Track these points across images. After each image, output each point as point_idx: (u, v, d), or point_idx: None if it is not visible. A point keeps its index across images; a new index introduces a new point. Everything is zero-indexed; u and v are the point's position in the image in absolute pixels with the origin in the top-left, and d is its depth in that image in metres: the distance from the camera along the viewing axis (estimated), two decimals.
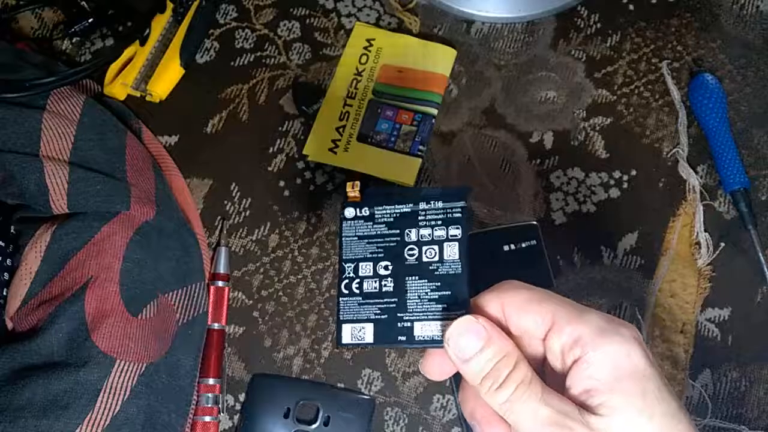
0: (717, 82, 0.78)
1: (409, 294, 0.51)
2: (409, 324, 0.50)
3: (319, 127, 0.81)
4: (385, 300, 0.51)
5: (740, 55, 0.81)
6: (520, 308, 0.46)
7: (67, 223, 0.68)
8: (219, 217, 0.79)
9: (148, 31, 0.83)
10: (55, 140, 0.71)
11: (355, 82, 0.83)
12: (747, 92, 0.80)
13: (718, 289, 0.74)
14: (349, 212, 0.54)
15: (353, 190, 0.55)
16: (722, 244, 0.75)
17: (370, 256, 0.53)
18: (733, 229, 0.76)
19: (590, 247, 0.76)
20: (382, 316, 0.51)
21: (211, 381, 0.73)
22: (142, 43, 0.83)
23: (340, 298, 0.52)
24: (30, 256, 0.67)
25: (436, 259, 0.51)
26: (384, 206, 0.54)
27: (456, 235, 0.51)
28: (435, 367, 0.49)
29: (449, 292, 0.50)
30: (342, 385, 0.74)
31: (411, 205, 0.53)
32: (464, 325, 0.45)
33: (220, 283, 0.77)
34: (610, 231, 0.77)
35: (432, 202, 0.53)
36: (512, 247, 0.75)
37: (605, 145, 0.79)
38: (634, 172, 0.78)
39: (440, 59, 0.83)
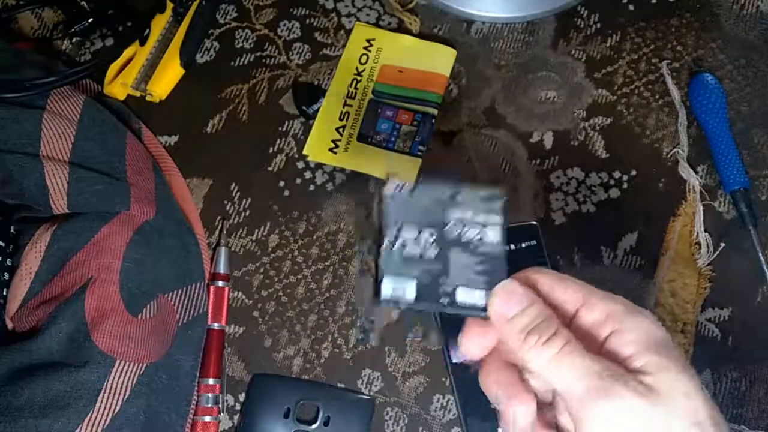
0: (717, 82, 0.78)
1: (452, 263, 0.50)
2: (451, 289, 0.49)
3: (319, 127, 0.81)
4: (428, 264, 0.50)
5: (740, 55, 0.82)
6: (554, 285, 0.47)
7: (67, 223, 0.68)
8: (219, 217, 0.79)
9: (147, 31, 0.84)
10: (55, 140, 0.71)
11: (355, 82, 0.83)
12: (747, 92, 0.80)
13: (719, 289, 0.74)
14: (390, 186, 0.53)
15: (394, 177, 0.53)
16: (722, 244, 0.75)
17: (414, 221, 0.51)
18: (733, 230, 0.76)
19: (590, 247, 0.76)
20: (425, 277, 0.50)
21: (211, 381, 0.73)
22: (142, 43, 0.83)
23: (383, 251, 0.51)
24: (30, 256, 0.67)
25: (479, 238, 0.51)
26: (425, 185, 0.52)
27: (497, 222, 0.51)
28: (474, 341, 0.50)
29: (491, 269, 0.50)
30: (342, 385, 0.74)
31: (450, 192, 0.52)
32: (510, 286, 0.47)
33: (220, 283, 0.77)
34: (610, 231, 0.77)
35: (471, 193, 0.52)
36: (512, 247, 0.75)
37: (605, 145, 0.79)
38: (634, 173, 0.78)
39: (440, 59, 0.83)
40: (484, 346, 0.49)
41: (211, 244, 0.79)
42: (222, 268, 0.77)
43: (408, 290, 0.50)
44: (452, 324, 0.68)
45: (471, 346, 0.50)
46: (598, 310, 0.46)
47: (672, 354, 0.43)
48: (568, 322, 0.47)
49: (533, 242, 0.75)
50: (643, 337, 0.44)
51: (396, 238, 0.51)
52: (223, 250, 0.78)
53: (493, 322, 0.47)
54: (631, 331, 0.44)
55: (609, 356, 0.44)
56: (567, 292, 0.47)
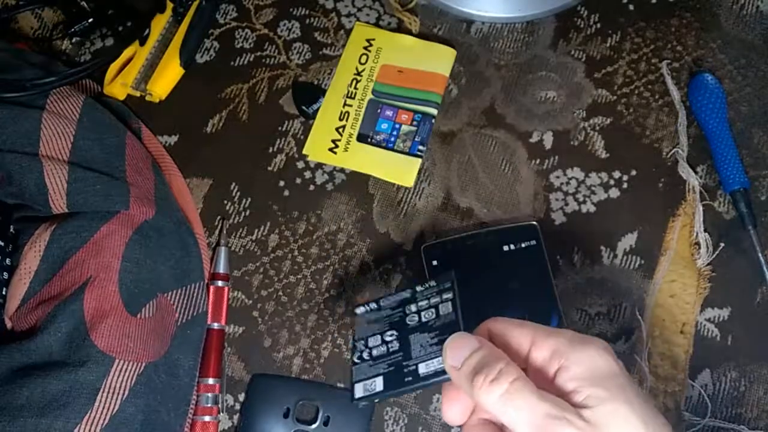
0: (717, 82, 0.78)
1: (412, 346, 0.57)
2: (413, 367, 0.55)
3: (319, 126, 0.81)
4: (392, 356, 0.58)
5: (740, 55, 0.81)
6: (504, 331, 0.50)
7: (67, 222, 0.68)
8: (219, 217, 0.80)
9: (147, 31, 0.84)
10: (55, 140, 0.71)
11: (354, 81, 0.83)
12: (747, 92, 0.80)
13: (718, 289, 0.74)
14: (360, 310, 0.64)
15: (362, 300, 0.69)
16: (722, 245, 0.75)
17: (378, 331, 0.60)
18: (733, 230, 0.76)
19: (590, 247, 0.76)
20: (390, 369, 0.57)
21: (210, 381, 0.73)
22: (142, 43, 0.83)
23: (353, 367, 0.59)
24: (29, 256, 0.67)
25: (434, 317, 0.59)
26: (388, 297, 0.63)
27: (449, 298, 0.59)
28: (453, 407, 0.51)
29: (447, 335, 0.53)
30: (342, 385, 0.74)
31: (409, 290, 0.62)
32: (457, 337, 0.50)
33: (220, 283, 0.77)
34: (610, 231, 0.77)
35: (426, 284, 0.61)
36: (512, 247, 0.75)
37: (605, 145, 0.79)
38: (633, 172, 0.78)
39: (440, 59, 0.83)
40: (463, 411, 0.51)
41: (211, 244, 0.79)
42: (222, 268, 0.77)
43: (377, 385, 0.57)
44: None
45: (451, 413, 0.52)
46: (545, 348, 0.47)
47: (615, 383, 0.44)
48: (523, 363, 0.48)
49: (533, 242, 0.75)
50: (585, 371, 0.45)
51: (362, 351, 0.60)
52: (222, 249, 0.78)
53: (450, 376, 0.49)
54: (575, 364, 0.46)
55: (558, 392, 0.45)
56: (518, 334, 0.49)
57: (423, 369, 0.55)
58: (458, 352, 0.48)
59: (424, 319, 0.59)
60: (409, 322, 0.59)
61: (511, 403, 0.44)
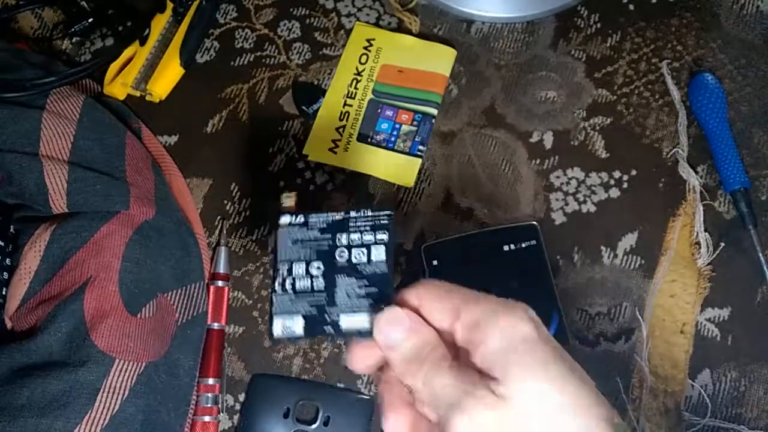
0: (717, 82, 0.78)
1: (338, 291, 0.54)
2: (336, 317, 0.53)
3: (319, 126, 0.81)
4: (316, 296, 0.54)
5: (740, 55, 0.82)
6: (432, 300, 0.49)
7: (67, 222, 0.68)
8: (219, 217, 0.79)
9: (147, 30, 0.84)
10: (55, 140, 0.71)
11: (355, 81, 0.83)
12: (747, 92, 0.80)
13: (718, 289, 0.74)
14: (285, 219, 0.57)
15: (290, 199, 0.59)
16: (722, 244, 0.75)
17: (303, 258, 0.56)
18: (733, 229, 0.76)
19: (590, 246, 0.76)
20: (312, 311, 0.53)
21: (210, 381, 0.73)
22: (142, 43, 0.83)
23: (273, 296, 0.55)
24: (29, 256, 0.67)
25: (365, 260, 0.55)
26: (318, 214, 0.57)
27: (383, 240, 0.56)
28: (360, 360, 0.52)
29: (376, 290, 0.53)
30: (342, 385, 0.74)
31: (342, 213, 0.56)
32: (391, 315, 0.49)
33: (220, 283, 0.77)
34: (610, 231, 0.77)
35: (362, 210, 0.56)
36: (512, 247, 0.75)
37: (605, 145, 0.79)
38: (634, 172, 0.78)
39: (440, 59, 0.83)
40: (370, 365, 0.52)
41: (211, 244, 0.79)
42: (222, 268, 0.77)
43: (296, 326, 0.53)
44: None
45: (358, 364, 0.52)
46: (465, 320, 0.47)
47: (529, 356, 0.44)
48: (449, 330, 0.48)
49: (533, 242, 0.75)
50: (498, 344, 0.44)
51: (285, 278, 0.55)
52: (223, 249, 0.78)
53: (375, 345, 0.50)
54: (491, 338, 0.45)
55: (475, 366, 0.45)
56: (441, 306, 0.49)
57: (345, 323, 0.53)
58: (391, 333, 0.49)
59: (354, 260, 0.55)
60: (338, 258, 0.55)
61: (430, 383, 0.45)
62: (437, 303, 0.49)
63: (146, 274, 0.70)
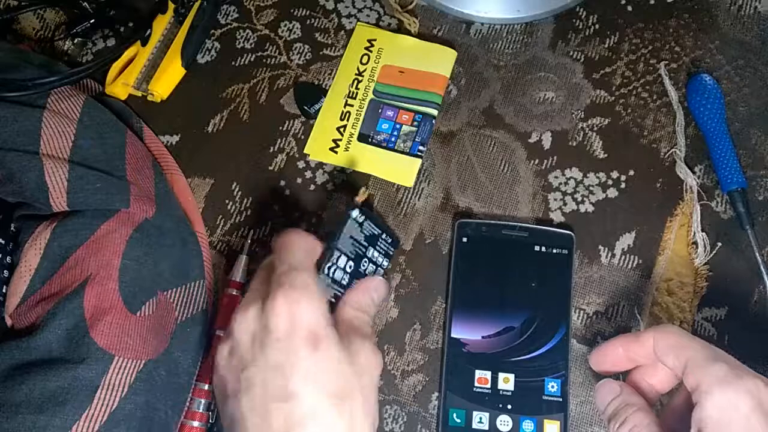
0: (715, 83, 0.79)
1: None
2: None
3: (320, 126, 0.82)
4: (339, 290, 0.67)
5: (738, 55, 0.82)
6: (665, 349, 0.57)
7: (67, 220, 0.68)
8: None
9: (149, 31, 0.84)
10: (55, 139, 0.71)
11: (356, 82, 0.83)
12: (745, 93, 0.80)
13: (715, 289, 0.74)
14: (355, 213, 0.69)
15: (362, 196, 0.73)
16: (719, 244, 0.75)
17: (348, 254, 0.69)
18: (730, 229, 0.76)
19: (588, 246, 0.76)
20: (331, 301, 0.64)
21: (206, 387, 0.72)
22: (144, 44, 0.84)
23: (319, 276, 0.64)
24: (30, 254, 0.68)
25: (372, 270, 0.72)
26: (371, 221, 0.70)
27: (385, 265, 0.74)
28: (607, 363, 0.64)
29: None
30: None
31: (378, 230, 0.72)
32: (605, 383, 0.62)
33: (234, 292, 0.76)
34: (608, 231, 0.77)
35: (385, 235, 0.73)
36: (543, 249, 0.75)
37: (603, 145, 0.80)
38: (631, 173, 0.79)
39: (441, 60, 0.83)
40: (616, 366, 0.65)
41: (212, 243, 0.79)
42: (239, 277, 0.76)
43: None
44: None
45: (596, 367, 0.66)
46: (691, 380, 0.53)
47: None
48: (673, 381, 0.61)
49: (564, 251, 0.75)
50: (713, 416, 0.50)
51: (333, 264, 0.67)
52: (243, 258, 0.77)
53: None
54: (704, 408, 0.50)
55: (691, 428, 0.51)
56: (673, 358, 0.56)
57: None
58: (603, 397, 0.61)
59: (367, 273, 0.71)
60: (362, 266, 0.70)
61: None
62: (671, 353, 0.56)
63: (146, 273, 0.70)
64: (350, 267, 0.69)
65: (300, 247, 0.61)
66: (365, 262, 0.70)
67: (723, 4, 0.84)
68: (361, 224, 0.69)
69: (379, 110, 0.82)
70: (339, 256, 0.67)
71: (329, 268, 0.66)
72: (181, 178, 0.80)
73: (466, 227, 0.76)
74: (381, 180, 0.80)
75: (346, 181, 0.80)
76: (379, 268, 0.72)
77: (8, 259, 0.69)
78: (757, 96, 0.80)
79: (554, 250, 0.75)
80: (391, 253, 0.74)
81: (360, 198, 0.72)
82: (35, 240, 0.68)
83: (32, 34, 0.88)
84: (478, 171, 0.80)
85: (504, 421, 0.70)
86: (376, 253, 0.72)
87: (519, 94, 0.82)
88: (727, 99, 0.80)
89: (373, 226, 0.71)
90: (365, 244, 0.70)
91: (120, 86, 0.83)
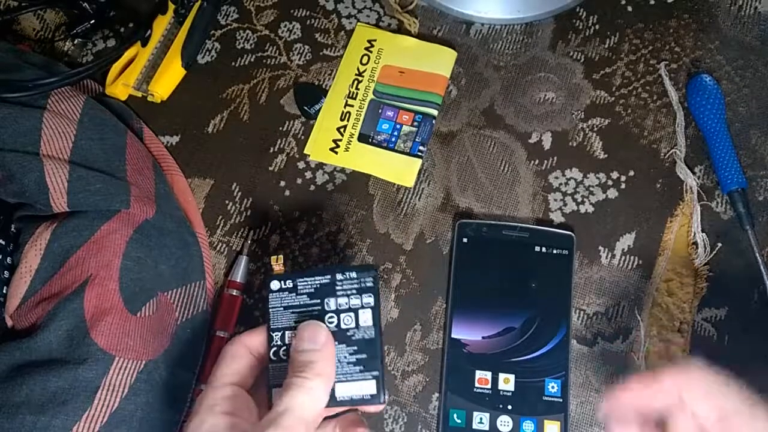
0: (715, 83, 0.79)
1: None
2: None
3: (321, 126, 0.82)
4: None
5: (738, 56, 0.82)
6: (697, 396, 0.53)
7: (67, 221, 0.69)
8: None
9: (149, 32, 0.84)
10: (56, 139, 0.71)
11: (356, 82, 0.83)
12: (745, 93, 0.80)
13: (715, 289, 0.74)
14: (275, 285, 0.60)
15: (278, 264, 0.62)
16: (719, 245, 0.75)
17: (295, 324, 0.58)
18: (731, 230, 0.76)
19: (588, 247, 0.76)
20: None
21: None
22: (144, 44, 0.84)
23: (270, 365, 0.58)
24: (30, 254, 0.68)
25: (353, 325, 0.58)
26: (305, 278, 0.60)
27: (369, 303, 0.59)
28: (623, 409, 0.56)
29: (365, 356, 0.57)
30: None
31: (328, 276, 0.59)
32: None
33: (234, 292, 0.76)
34: (608, 231, 0.77)
35: (346, 273, 0.59)
36: (544, 249, 0.75)
37: (603, 145, 0.80)
38: (631, 173, 0.79)
39: (441, 60, 0.83)
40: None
41: (212, 243, 0.79)
42: (239, 277, 0.77)
43: None
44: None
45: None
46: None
47: None
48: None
49: (565, 251, 0.75)
50: None
51: (279, 347, 0.58)
52: (243, 259, 0.78)
53: None
54: None
55: None
56: (705, 406, 0.52)
57: (340, 392, 0.56)
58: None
59: (343, 326, 0.58)
60: (328, 324, 0.58)
61: None
62: (703, 402, 0.52)
63: (146, 273, 0.70)
64: None
65: (224, 361, 0.58)
66: (331, 317, 0.59)
67: (723, 4, 0.84)
68: (291, 289, 0.60)
69: (380, 110, 0.82)
70: (281, 335, 0.59)
71: (275, 353, 0.58)
72: (181, 178, 0.80)
73: (467, 228, 0.76)
74: (381, 180, 0.80)
75: (346, 181, 0.80)
76: (362, 310, 0.59)
77: (9, 260, 0.69)
78: (757, 96, 0.80)
79: (554, 251, 0.75)
80: (367, 284, 0.59)
81: (276, 266, 0.62)
82: (36, 241, 0.68)
83: (32, 34, 0.88)
84: (478, 171, 0.80)
85: (504, 422, 0.70)
86: (341, 300, 0.59)
87: (519, 94, 0.82)
88: (727, 99, 0.80)
89: (314, 278, 0.60)
90: (315, 301, 0.59)
91: (120, 87, 0.83)
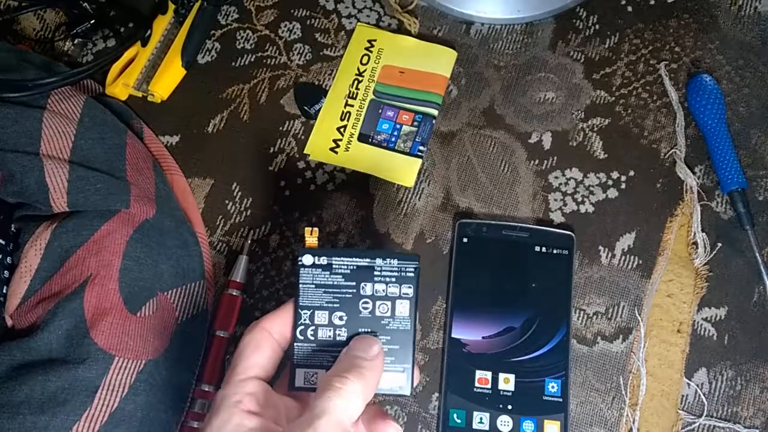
0: (715, 83, 0.79)
1: None
2: None
3: (321, 126, 0.82)
4: (338, 349, 0.54)
5: (738, 56, 0.82)
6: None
7: (67, 221, 0.69)
8: (220, 216, 0.80)
9: (149, 32, 0.84)
10: (56, 139, 0.71)
11: (356, 82, 0.83)
12: (745, 93, 0.80)
13: (715, 289, 0.74)
14: (308, 259, 0.56)
15: (312, 237, 0.57)
16: (719, 244, 0.75)
17: (326, 305, 0.56)
18: (730, 230, 0.76)
19: (588, 247, 0.76)
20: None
21: (206, 387, 0.72)
22: (144, 44, 0.84)
23: (295, 344, 0.55)
24: (30, 254, 0.68)
25: (389, 314, 0.55)
26: (342, 257, 0.56)
27: (408, 294, 0.56)
28: None
29: (398, 347, 0.55)
30: None
31: (368, 259, 0.56)
32: None
33: (235, 292, 0.76)
34: (608, 231, 0.77)
35: (388, 259, 0.56)
36: (544, 250, 0.75)
37: (603, 145, 0.80)
38: (631, 173, 0.79)
39: (441, 60, 0.83)
40: None
41: (212, 243, 0.79)
42: (239, 277, 0.77)
43: (319, 378, 0.54)
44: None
45: None
46: None
47: None
48: None
49: (565, 252, 0.75)
50: None
51: (307, 325, 0.55)
52: (243, 259, 0.77)
53: None
54: None
55: None
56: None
57: None
58: None
59: (378, 313, 0.55)
60: (362, 309, 0.55)
61: None
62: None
63: (146, 273, 0.70)
64: (341, 318, 0.56)
65: (247, 351, 0.55)
66: (365, 303, 0.56)
67: (723, 4, 0.84)
68: (325, 266, 0.56)
69: (380, 110, 0.82)
70: (310, 314, 0.56)
71: (302, 332, 0.55)
72: (181, 178, 0.80)
73: (467, 227, 0.76)
74: (381, 180, 0.80)
75: (346, 181, 0.80)
76: (400, 300, 0.56)
77: (8, 259, 0.69)
78: (757, 96, 0.80)
79: (554, 251, 0.75)
80: (408, 274, 0.56)
81: (309, 239, 0.58)
82: (35, 240, 0.68)
83: (32, 34, 0.88)
84: (478, 171, 0.80)
85: (504, 422, 0.70)
86: (378, 287, 0.56)
87: (519, 94, 0.82)
88: (727, 99, 0.80)
89: (351, 259, 0.56)
90: (350, 283, 0.56)
91: (120, 87, 0.83)
